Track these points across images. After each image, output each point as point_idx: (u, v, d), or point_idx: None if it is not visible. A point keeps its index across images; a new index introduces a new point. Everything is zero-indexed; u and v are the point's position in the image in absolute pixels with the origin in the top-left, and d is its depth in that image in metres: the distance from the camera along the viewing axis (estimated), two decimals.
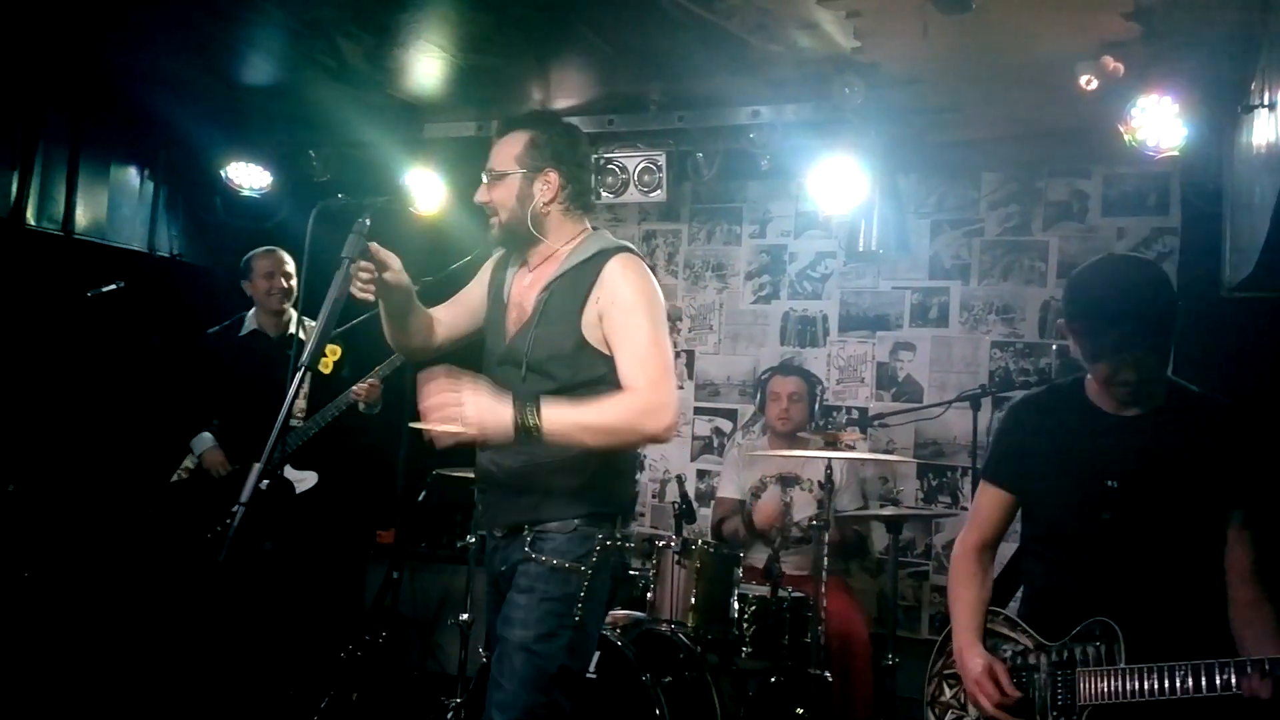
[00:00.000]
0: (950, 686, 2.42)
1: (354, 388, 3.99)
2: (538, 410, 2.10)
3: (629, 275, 2.25)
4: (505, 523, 2.35)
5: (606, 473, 2.31)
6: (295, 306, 4.25)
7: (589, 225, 2.40)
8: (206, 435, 4.14)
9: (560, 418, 2.12)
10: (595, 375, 2.25)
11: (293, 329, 4.23)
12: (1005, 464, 2.41)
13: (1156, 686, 2.03)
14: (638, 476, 5.31)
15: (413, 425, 2.17)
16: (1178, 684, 2.00)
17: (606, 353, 2.24)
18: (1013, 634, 2.34)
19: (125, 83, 4.43)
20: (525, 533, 2.29)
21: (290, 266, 4.23)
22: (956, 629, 2.38)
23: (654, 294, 2.28)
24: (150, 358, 4.73)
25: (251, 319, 4.29)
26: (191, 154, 5.02)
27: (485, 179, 2.34)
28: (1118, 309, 2.10)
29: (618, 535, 2.35)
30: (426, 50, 3.82)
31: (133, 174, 5.05)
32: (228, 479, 4.05)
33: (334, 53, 3.91)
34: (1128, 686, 2.08)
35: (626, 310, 2.22)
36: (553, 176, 2.31)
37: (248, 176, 4.95)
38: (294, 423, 4.02)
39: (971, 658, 2.31)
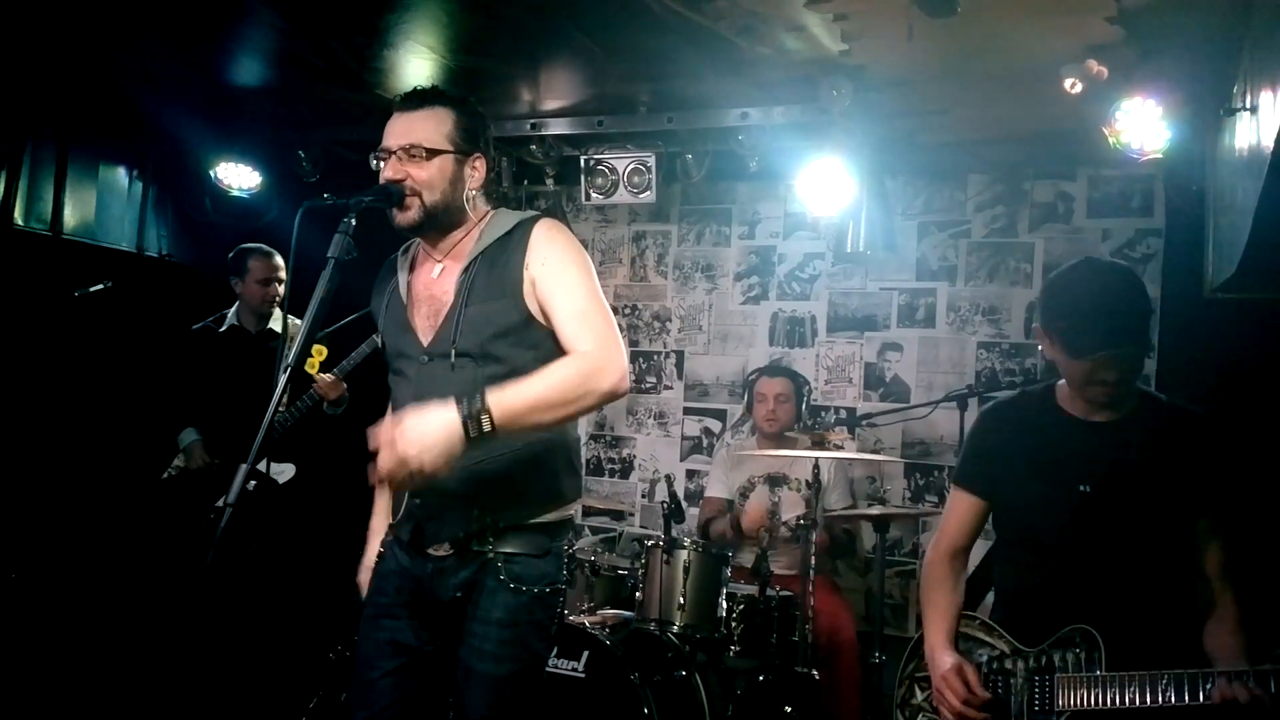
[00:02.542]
0: (922, 689, 2.42)
1: (315, 383, 3.94)
2: (483, 399, 1.89)
3: (556, 237, 2.14)
4: (454, 534, 2.11)
5: (568, 467, 2.19)
6: (281, 306, 4.27)
7: (491, 206, 2.28)
8: (191, 430, 4.18)
9: (510, 400, 1.91)
10: (549, 353, 2.08)
11: (273, 324, 4.25)
12: (976, 469, 2.41)
13: (1137, 696, 2.02)
14: (630, 478, 5.34)
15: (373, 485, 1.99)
16: (1159, 694, 1.99)
17: (549, 326, 2.11)
18: (989, 638, 2.34)
19: (114, 82, 4.42)
20: (490, 555, 2.09)
21: (283, 270, 4.25)
22: (928, 631, 2.38)
23: (583, 253, 2.17)
24: (136, 356, 4.73)
25: (233, 315, 4.31)
26: (181, 154, 5.02)
27: (404, 154, 2.11)
28: (1100, 306, 2.11)
29: (572, 539, 2.25)
30: (416, 51, 3.83)
31: (121, 174, 5.05)
32: (214, 474, 4.07)
33: (323, 53, 3.91)
34: (1107, 695, 2.06)
35: (559, 269, 2.10)
36: (480, 163, 2.20)
37: (237, 177, 4.96)
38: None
39: (941, 658, 2.30)
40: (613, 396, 2.03)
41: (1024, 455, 2.30)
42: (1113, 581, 2.18)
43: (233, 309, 4.31)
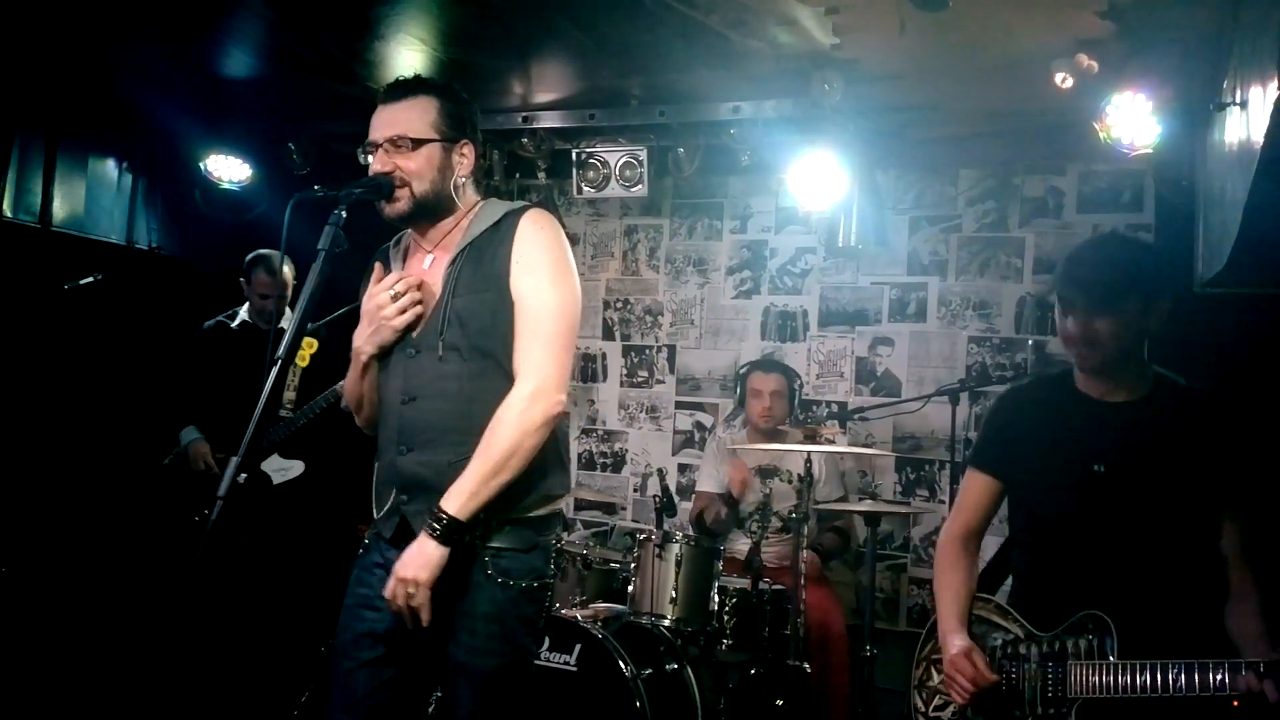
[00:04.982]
0: (938, 671, 2.40)
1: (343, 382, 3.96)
2: (442, 513, 1.99)
3: (538, 233, 2.13)
4: None
5: (556, 462, 2.18)
6: (292, 306, 4.27)
7: (481, 196, 2.27)
8: (192, 429, 4.20)
9: (464, 494, 2.00)
10: None
11: (284, 323, 4.24)
12: (992, 450, 2.40)
13: (1148, 682, 1.99)
14: (622, 471, 5.34)
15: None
16: (1169, 681, 1.97)
17: None
18: (1004, 622, 2.32)
19: (104, 74, 4.40)
20: (477, 550, 2.08)
21: (287, 286, 4.19)
22: (940, 614, 2.36)
23: (561, 249, 2.14)
24: (127, 349, 4.71)
25: (244, 311, 4.34)
26: (171, 146, 4.99)
27: (391, 146, 2.11)
28: (1083, 263, 2.20)
29: (560, 532, 2.24)
30: (407, 43, 3.82)
31: (111, 166, 5.02)
32: (214, 475, 4.07)
33: (314, 45, 3.90)
34: (1118, 681, 2.04)
35: (527, 268, 2.09)
36: (468, 149, 2.19)
37: (227, 169, 4.94)
38: (283, 413, 4.07)
39: (951, 641, 2.29)
40: (551, 421, 2.06)
41: (1038, 435, 2.30)
42: (1126, 565, 2.15)
43: (244, 306, 4.34)
